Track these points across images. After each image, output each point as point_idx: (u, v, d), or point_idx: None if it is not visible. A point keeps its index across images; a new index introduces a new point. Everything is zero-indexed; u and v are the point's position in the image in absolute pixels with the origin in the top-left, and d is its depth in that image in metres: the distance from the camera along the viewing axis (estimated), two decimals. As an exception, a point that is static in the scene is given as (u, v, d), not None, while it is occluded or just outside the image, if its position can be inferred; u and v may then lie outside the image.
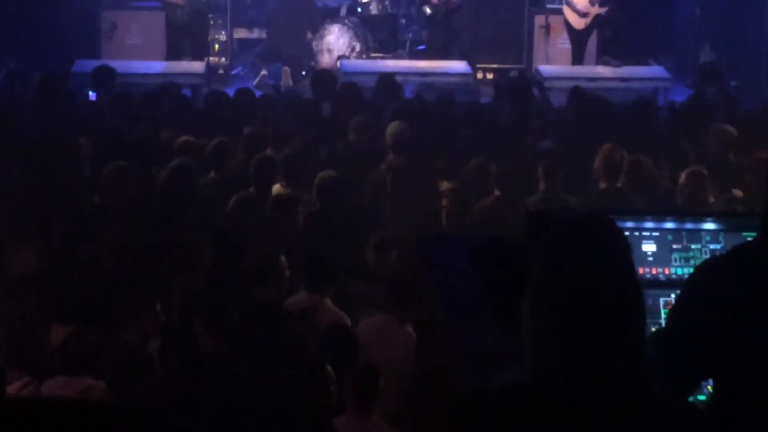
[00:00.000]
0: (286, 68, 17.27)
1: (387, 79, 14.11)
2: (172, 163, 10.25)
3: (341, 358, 7.34)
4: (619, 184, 10.16)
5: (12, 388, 6.88)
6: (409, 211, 10.28)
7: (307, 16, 17.78)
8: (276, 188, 10.37)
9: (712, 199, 10.05)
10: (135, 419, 1.86)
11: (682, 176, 10.11)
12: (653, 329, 4.50)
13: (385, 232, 9.44)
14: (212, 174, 10.56)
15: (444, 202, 9.93)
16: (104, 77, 14.02)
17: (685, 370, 3.76)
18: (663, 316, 4.59)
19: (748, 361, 3.71)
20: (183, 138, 11.11)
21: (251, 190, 10.14)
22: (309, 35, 17.77)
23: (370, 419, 7.02)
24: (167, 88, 13.81)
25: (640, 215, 4.86)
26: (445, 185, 10.43)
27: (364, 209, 10.25)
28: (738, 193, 10.21)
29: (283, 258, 8.41)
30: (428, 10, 17.49)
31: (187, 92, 14.92)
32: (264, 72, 17.13)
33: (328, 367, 7.29)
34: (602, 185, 10.22)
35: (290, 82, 16.49)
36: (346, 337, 7.63)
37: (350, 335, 7.64)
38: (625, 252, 3.40)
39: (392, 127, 11.32)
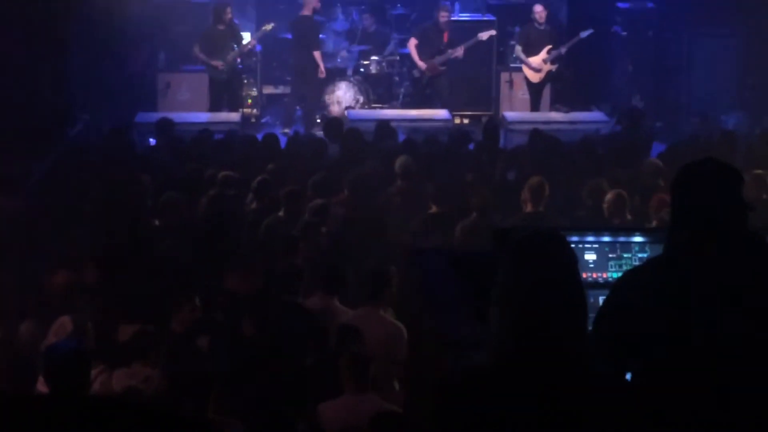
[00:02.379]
0: None
1: (383, 124, 14.15)
2: (211, 192, 10.30)
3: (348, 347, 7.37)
4: (541, 209, 10.08)
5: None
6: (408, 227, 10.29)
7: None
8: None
9: (629, 216, 10.04)
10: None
11: (608, 195, 10.09)
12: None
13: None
14: (254, 204, 10.58)
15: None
16: (165, 126, 14.07)
17: (611, 355, 3.79)
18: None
19: (652, 351, 3.75)
20: (224, 173, 11.15)
21: (281, 213, 10.18)
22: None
23: (366, 395, 6.98)
24: (203, 132, 13.90)
25: (582, 230, 4.89)
26: (433, 209, 10.44)
27: (373, 224, 10.26)
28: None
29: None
30: (416, 74, 17.50)
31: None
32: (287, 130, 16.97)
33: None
34: (528, 209, 10.09)
35: None
36: (353, 331, 7.63)
37: (357, 330, 7.62)
38: (571, 260, 3.44)
39: (400, 159, 11.37)
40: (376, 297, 8.03)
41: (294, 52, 17.77)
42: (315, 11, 17.57)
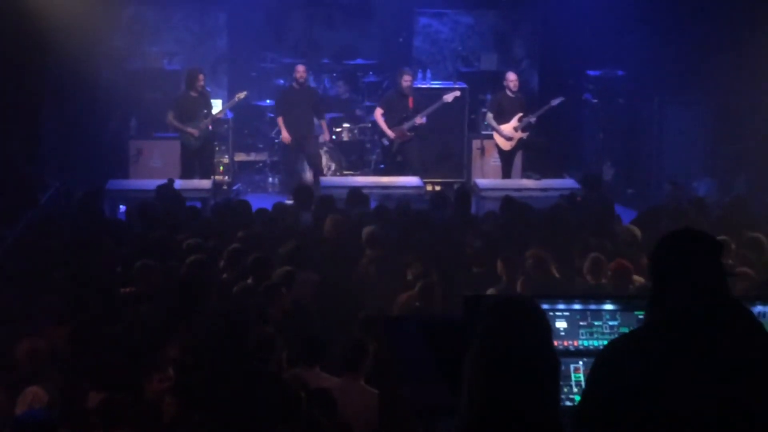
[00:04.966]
0: None
1: (356, 191, 14.17)
2: (189, 259, 10.27)
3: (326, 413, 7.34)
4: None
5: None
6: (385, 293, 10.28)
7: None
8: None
9: (604, 280, 10.13)
10: None
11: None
12: (565, 389, 4.54)
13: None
14: (227, 274, 10.54)
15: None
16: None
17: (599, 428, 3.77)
18: (573, 379, 4.63)
19: (639, 425, 3.72)
20: (192, 240, 11.13)
21: (249, 281, 10.15)
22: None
23: None
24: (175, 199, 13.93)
25: (553, 298, 4.89)
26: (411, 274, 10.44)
27: (352, 293, 10.25)
28: (640, 279, 10.22)
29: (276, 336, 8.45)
30: (386, 142, 17.53)
31: (198, 204, 14.95)
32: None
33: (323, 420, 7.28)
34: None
35: None
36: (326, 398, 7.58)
37: (330, 397, 7.59)
38: (545, 329, 3.44)
39: (366, 229, 11.39)
40: (357, 368, 8.02)
41: None
42: (296, 81, 17.65)
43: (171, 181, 14.65)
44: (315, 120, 17.66)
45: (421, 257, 10.71)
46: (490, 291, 9.82)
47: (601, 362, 3.87)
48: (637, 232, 11.60)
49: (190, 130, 16.82)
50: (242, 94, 17.32)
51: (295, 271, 10.19)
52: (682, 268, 3.85)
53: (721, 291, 3.84)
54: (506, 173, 17.68)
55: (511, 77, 17.40)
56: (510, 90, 17.31)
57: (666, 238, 3.98)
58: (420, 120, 17.14)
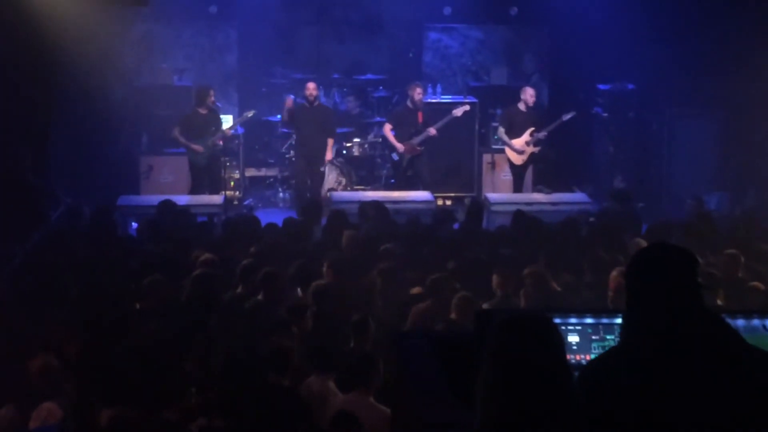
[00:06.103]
0: None
1: (375, 204, 14.12)
2: (195, 272, 10.29)
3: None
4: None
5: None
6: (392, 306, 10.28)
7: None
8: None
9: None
10: None
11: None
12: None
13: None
14: (239, 289, 10.53)
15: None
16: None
17: None
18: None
19: None
20: (205, 255, 11.14)
21: (260, 297, 10.15)
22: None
23: None
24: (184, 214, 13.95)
25: (565, 312, 4.89)
26: (416, 290, 10.42)
27: (359, 305, 10.27)
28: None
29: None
30: (395, 157, 17.54)
31: (206, 219, 14.97)
32: None
33: None
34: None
35: None
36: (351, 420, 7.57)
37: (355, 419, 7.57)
38: (557, 342, 3.44)
39: (383, 246, 11.44)
40: (368, 383, 8.00)
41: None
42: (306, 98, 17.62)
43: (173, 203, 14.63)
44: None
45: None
46: (485, 305, 9.81)
47: (581, 384, 3.87)
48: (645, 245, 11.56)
49: (195, 147, 16.84)
50: (250, 113, 17.37)
51: (328, 285, 10.18)
52: (656, 282, 3.85)
53: (695, 304, 3.84)
54: (517, 187, 17.69)
55: (530, 92, 17.34)
56: (526, 104, 17.28)
57: (639, 252, 4.01)
58: (432, 132, 17.15)
